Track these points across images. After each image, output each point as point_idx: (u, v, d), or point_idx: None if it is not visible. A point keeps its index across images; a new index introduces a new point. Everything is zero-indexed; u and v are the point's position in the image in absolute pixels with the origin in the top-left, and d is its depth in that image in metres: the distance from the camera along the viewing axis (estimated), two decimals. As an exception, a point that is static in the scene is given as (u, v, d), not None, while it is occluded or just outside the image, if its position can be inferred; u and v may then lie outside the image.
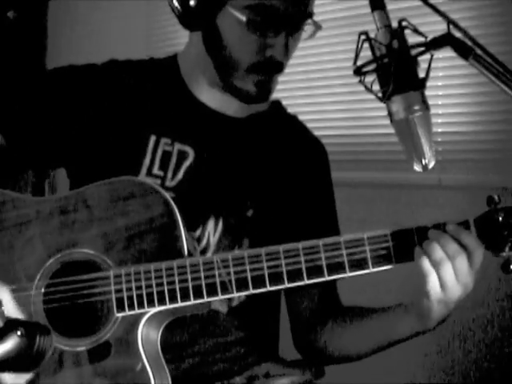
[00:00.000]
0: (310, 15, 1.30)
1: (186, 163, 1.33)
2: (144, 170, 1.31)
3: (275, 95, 1.50)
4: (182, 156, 1.33)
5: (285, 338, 1.46)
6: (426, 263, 1.07)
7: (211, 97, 1.36)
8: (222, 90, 1.33)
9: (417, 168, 1.05)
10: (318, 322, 1.39)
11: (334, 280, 1.41)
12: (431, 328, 1.17)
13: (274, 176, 1.38)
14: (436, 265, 1.07)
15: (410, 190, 2.19)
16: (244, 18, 1.22)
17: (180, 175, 1.32)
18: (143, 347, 1.13)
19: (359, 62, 1.04)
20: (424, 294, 1.10)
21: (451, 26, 0.99)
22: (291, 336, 1.46)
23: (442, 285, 1.08)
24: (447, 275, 1.07)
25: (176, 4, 1.25)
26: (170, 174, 1.32)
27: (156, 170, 1.31)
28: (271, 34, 1.24)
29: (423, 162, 1.03)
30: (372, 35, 1.03)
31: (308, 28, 1.31)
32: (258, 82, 1.28)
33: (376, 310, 1.28)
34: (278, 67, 1.29)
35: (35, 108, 1.35)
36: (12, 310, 1.10)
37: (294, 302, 1.44)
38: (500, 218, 1.07)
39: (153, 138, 1.33)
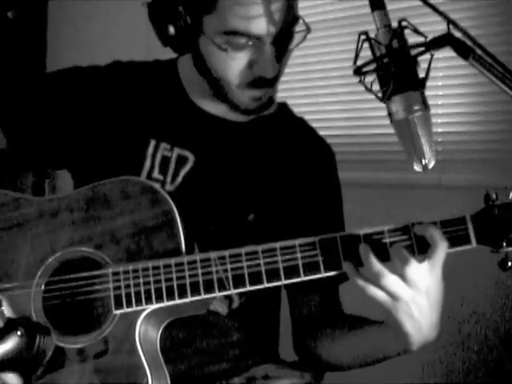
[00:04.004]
0: (296, 19, 1.24)
1: (186, 168, 1.33)
2: (144, 173, 1.31)
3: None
4: (182, 161, 1.33)
5: (285, 339, 1.46)
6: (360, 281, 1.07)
7: (211, 104, 1.35)
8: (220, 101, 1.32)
9: (417, 168, 1.04)
10: (317, 328, 1.38)
11: (337, 286, 1.42)
12: (413, 346, 1.13)
13: (278, 179, 1.37)
14: (373, 281, 1.06)
15: (410, 189, 2.19)
16: (221, 45, 1.20)
17: (179, 180, 1.32)
18: (141, 345, 1.13)
19: (359, 62, 1.04)
20: (383, 309, 1.09)
21: (451, 26, 0.99)
22: (292, 340, 1.45)
23: (390, 295, 1.07)
24: (388, 287, 1.06)
25: (157, 33, 1.24)
26: (169, 179, 1.32)
27: (156, 174, 1.32)
28: (254, 55, 1.21)
29: (423, 162, 1.03)
30: (372, 35, 1.03)
31: (298, 34, 1.26)
32: (253, 96, 1.27)
33: (372, 322, 1.26)
34: (270, 83, 1.26)
35: (39, 109, 1.35)
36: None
37: (296, 306, 1.43)
38: (497, 215, 1.07)
39: (152, 143, 1.33)
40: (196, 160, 1.33)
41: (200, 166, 1.33)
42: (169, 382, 1.16)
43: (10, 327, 0.91)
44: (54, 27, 3.38)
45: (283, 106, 1.47)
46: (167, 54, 1.44)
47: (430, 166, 1.04)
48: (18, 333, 0.91)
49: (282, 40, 1.23)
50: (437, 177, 2.15)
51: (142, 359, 1.12)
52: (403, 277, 1.05)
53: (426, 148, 1.02)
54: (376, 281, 1.06)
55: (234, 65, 1.23)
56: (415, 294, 1.07)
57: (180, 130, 1.35)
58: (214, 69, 1.26)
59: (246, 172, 1.35)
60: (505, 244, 1.06)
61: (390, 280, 1.05)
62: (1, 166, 1.41)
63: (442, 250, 1.05)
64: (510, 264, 1.06)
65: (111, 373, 1.13)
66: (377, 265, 1.06)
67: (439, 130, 2.20)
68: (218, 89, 1.29)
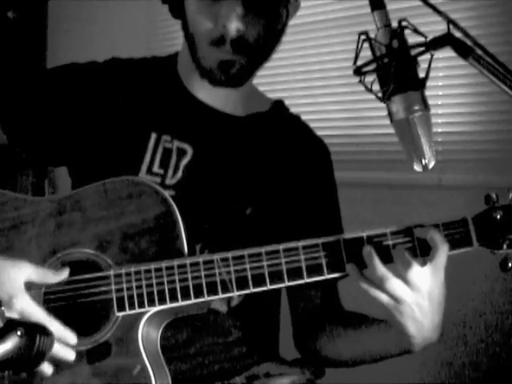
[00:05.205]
0: None
1: (185, 161, 1.33)
2: (144, 168, 1.31)
3: (275, 95, 1.50)
4: (181, 153, 1.33)
5: (285, 338, 1.46)
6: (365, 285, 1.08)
7: (207, 93, 1.36)
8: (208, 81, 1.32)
9: (417, 168, 1.05)
10: (317, 325, 1.38)
11: (336, 283, 1.42)
12: (416, 347, 1.14)
13: (274, 175, 1.37)
14: (377, 284, 1.07)
15: (410, 190, 2.19)
16: None
17: (179, 173, 1.32)
18: (144, 346, 1.13)
19: (359, 62, 1.04)
20: (386, 311, 1.10)
21: (451, 26, 0.99)
22: (292, 336, 1.45)
23: (393, 298, 1.07)
24: (392, 291, 1.06)
25: None
26: (170, 172, 1.32)
27: (156, 168, 1.31)
28: (224, 11, 1.21)
29: (423, 162, 1.03)
30: (372, 35, 1.03)
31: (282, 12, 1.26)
32: (220, 61, 1.26)
33: (373, 321, 1.26)
34: (231, 39, 1.23)
35: (37, 106, 1.35)
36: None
37: (296, 303, 1.43)
38: (498, 216, 1.07)
39: (154, 136, 1.33)
40: (194, 153, 1.33)
41: (198, 158, 1.33)
42: (170, 381, 1.16)
43: (9, 327, 0.91)
44: (54, 27, 3.38)
45: (279, 104, 1.47)
46: (167, 52, 1.45)
47: (430, 166, 1.04)
48: (18, 333, 0.91)
49: (256, 4, 1.23)
50: (437, 177, 2.15)
51: (145, 361, 1.12)
52: (406, 280, 1.06)
53: (426, 148, 1.03)
54: (380, 284, 1.06)
55: (204, 12, 1.24)
56: (418, 296, 1.07)
57: (178, 122, 1.35)
58: (190, 23, 1.27)
59: (243, 166, 1.35)
60: (505, 246, 1.07)
61: (394, 284, 1.06)
62: (1, 165, 1.41)
63: (443, 252, 1.06)
64: (510, 265, 1.07)
65: (113, 375, 1.13)
66: (381, 268, 1.06)
67: (439, 130, 2.20)
68: (192, 52, 1.30)
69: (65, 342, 1.12)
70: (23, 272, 1.13)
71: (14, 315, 1.10)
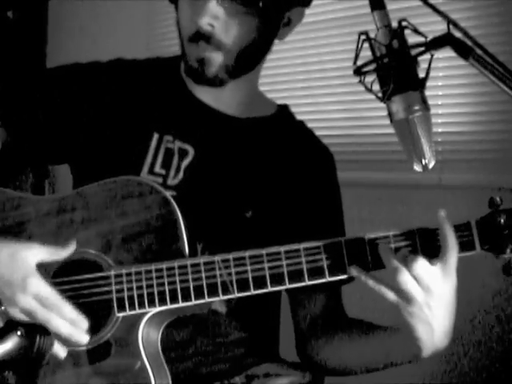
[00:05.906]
0: None
1: (186, 161, 1.33)
2: (146, 168, 1.31)
3: (275, 95, 1.50)
4: (182, 154, 1.33)
5: (285, 338, 1.46)
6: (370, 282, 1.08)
7: (210, 95, 1.36)
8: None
9: (417, 168, 1.04)
10: (320, 332, 1.37)
11: (339, 290, 1.41)
12: (424, 352, 1.12)
13: (276, 179, 1.37)
14: (392, 275, 1.06)
15: (410, 189, 2.19)
16: None
17: (181, 173, 1.32)
18: (144, 347, 1.13)
19: (359, 62, 1.04)
20: (395, 311, 1.09)
21: (451, 26, 0.99)
22: (294, 342, 1.44)
23: (402, 296, 1.06)
24: (402, 285, 1.05)
25: None
26: (172, 172, 1.32)
27: (158, 169, 1.32)
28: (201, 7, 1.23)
29: (423, 162, 1.03)
30: (372, 35, 1.03)
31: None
32: (197, 58, 1.27)
33: (378, 327, 1.25)
34: (203, 34, 1.24)
35: (40, 105, 1.35)
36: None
37: (298, 309, 1.42)
38: (502, 220, 1.07)
39: (156, 136, 1.33)
40: (196, 154, 1.33)
41: (199, 159, 1.33)
42: (170, 381, 1.16)
43: (10, 327, 0.91)
44: (54, 27, 3.39)
45: (284, 108, 1.47)
46: (167, 52, 1.46)
47: (430, 166, 1.04)
48: (18, 333, 0.91)
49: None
50: (437, 177, 2.15)
51: (145, 361, 1.12)
52: (414, 275, 1.04)
53: (426, 148, 1.03)
54: (393, 275, 1.05)
55: (183, 9, 1.27)
56: (428, 297, 1.06)
57: (180, 122, 1.35)
58: (179, 21, 1.30)
59: (244, 169, 1.35)
60: (509, 250, 1.06)
61: (406, 278, 1.04)
62: (1, 165, 1.41)
63: (453, 253, 1.05)
64: (513, 269, 1.07)
65: (113, 375, 1.13)
66: (395, 262, 1.05)
67: (439, 130, 2.20)
68: (182, 50, 1.31)
69: (78, 326, 1.12)
70: (34, 254, 1.13)
71: (28, 299, 1.09)
